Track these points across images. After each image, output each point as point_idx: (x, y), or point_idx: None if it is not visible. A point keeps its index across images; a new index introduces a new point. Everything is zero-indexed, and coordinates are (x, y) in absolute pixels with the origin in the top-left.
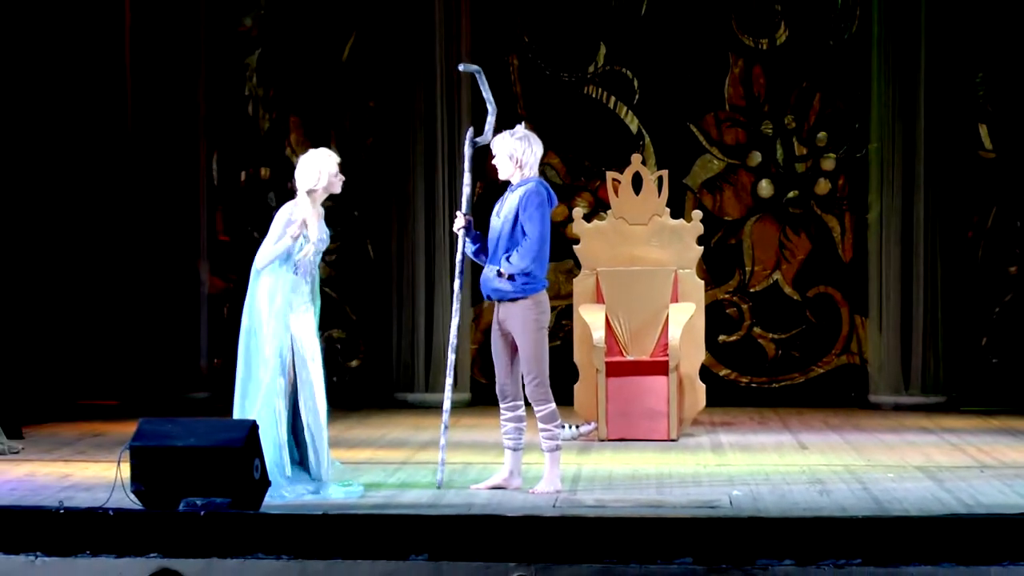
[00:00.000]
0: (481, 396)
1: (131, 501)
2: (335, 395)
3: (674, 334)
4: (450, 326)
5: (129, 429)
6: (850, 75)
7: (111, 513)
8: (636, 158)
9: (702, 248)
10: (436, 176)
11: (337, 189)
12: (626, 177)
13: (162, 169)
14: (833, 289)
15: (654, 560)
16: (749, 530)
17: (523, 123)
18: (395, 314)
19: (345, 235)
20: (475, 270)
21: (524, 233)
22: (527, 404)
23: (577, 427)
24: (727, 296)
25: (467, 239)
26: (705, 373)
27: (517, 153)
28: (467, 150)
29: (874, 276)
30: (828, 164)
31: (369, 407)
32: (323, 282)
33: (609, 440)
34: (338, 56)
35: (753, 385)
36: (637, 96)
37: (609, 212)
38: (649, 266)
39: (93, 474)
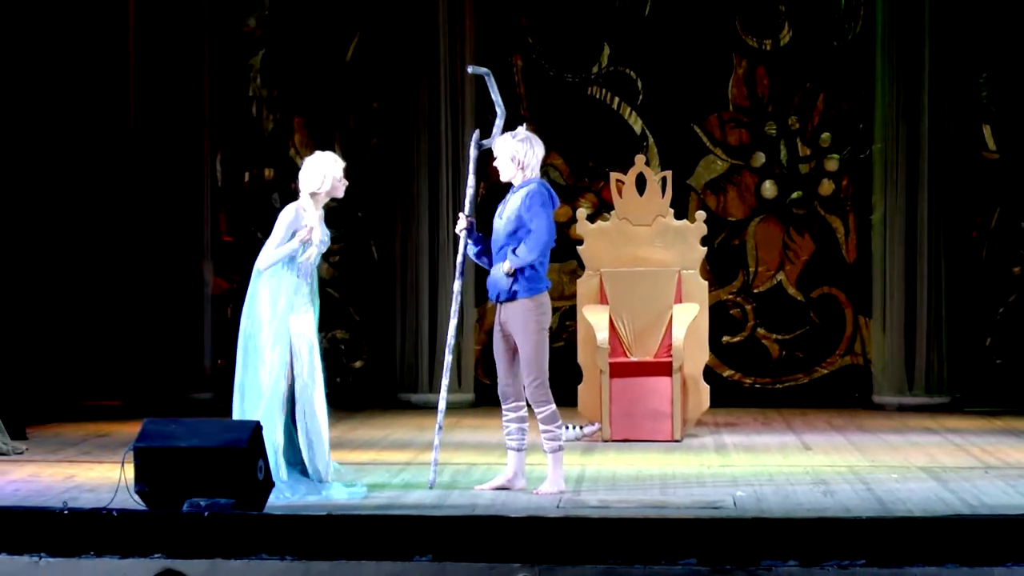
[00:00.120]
0: (485, 397)
1: (135, 502)
2: (339, 396)
3: (678, 335)
4: (449, 327)
5: (133, 430)
6: (854, 76)
7: (115, 514)
8: (640, 159)
9: (706, 249)
10: (440, 177)
11: (340, 194)
12: (630, 178)
13: (166, 170)
14: (837, 290)
15: (658, 561)
16: (753, 531)
17: (524, 124)
18: (399, 315)
19: (349, 236)
20: (479, 272)
21: (529, 230)
22: (529, 405)
23: (581, 428)
24: (731, 297)
25: (469, 241)
26: (709, 374)
27: (519, 155)
28: (472, 152)
29: (878, 277)
30: (832, 165)
31: (373, 408)
32: (327, 283)
33: (613, 441)
34: (342, 57)
35: (757, 386)
36: (641, 97)
37: (613, 213)
38: (653, 267)
39: (97, 475)
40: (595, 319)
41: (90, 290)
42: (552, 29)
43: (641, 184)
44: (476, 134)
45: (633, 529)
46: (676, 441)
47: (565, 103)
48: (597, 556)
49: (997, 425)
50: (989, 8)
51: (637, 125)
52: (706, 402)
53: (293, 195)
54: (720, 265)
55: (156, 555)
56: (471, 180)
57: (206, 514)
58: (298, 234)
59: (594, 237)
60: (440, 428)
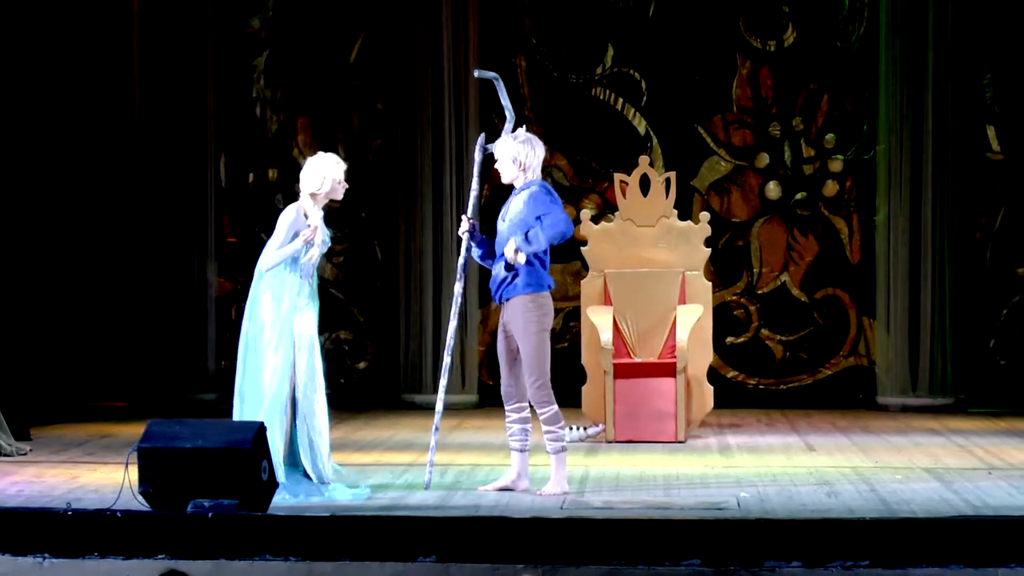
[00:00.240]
0: (489, 397)
1: (139, 503)
2: (343, 397)
3: (682, 336)
4: (448, 329)
5: (137, 431)
6: (858, 77)
7: (119, 515)
8: (644, 160)
9: (710, 250)
10: (444, 178)
11: (339, 196)
12: (634, 179)
13: (170, 171)
14: (841, 291)
15: (662, 562)
16: (757, 532)
17: (524, 126)
18: (402, 316)
19: (353, 237)
20: (482, 273)
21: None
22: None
23: (585, 429)
24: (735, 298)
25: (472, 243)
26: (713, 375)
27: (520, 156)
28: (477, 156)
29: (882, 278)
30: (836, 166)
31: (376, 409)
32: (330, 283)
33: (617, 442)
34: (346, 58)
35: (761, 387)
36: (645, 98)
37: (617, 214)
38: (657, 268)
39: (101, 475)
40: (599, 320)
41: (94, 291)
42: (556, 30)
43: (645, 185)
44: (482, 138)
45: (637, 530)
46: (680, 442)
47: (569, 104)
48: (601, 557)
49: (1001, 426)
50: (993, 9)
51: (641, 126)
52: (710, 403)
53: (296, 196)
54: (724, 266)
55: (160, 556)
56: (475, 183)
57: (210, 515)
58: (302, 234)
59: (598, 238)
60: (436, 430)
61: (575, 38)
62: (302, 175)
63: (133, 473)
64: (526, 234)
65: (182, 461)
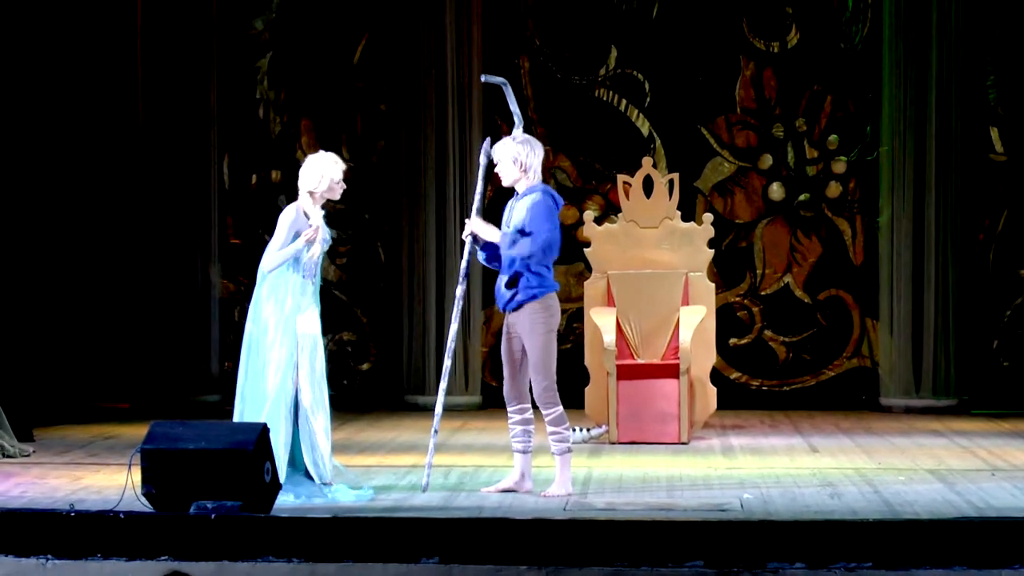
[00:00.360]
0: (492, 399)
1: (142, 504)
2: (346, 398)
3: (685, 337)
4: (449, 332)
5: (140, 432)
6: (861, 78)
7: (122, 516)
8: (647, 161)
9: (713, 251)
10: (447, 179)
11: (336, 196)
12: (637, 180)
13: (173, 172)
14: (844, 292)
15: (665, 563)
16: (760, 533)
17: (520, 128)
18: (406, 317)
19: (356, 238)
20: (485, 274)
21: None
22: (535, 407)
23: (588, 430)
24: (738, 299)
25: (477, 247)
26: (716, 376)
27: (520, 156)
28: (482, 160)
29: (885, 279)
30: (839, 167)
31: (380, 410)
32: (334, 285)
33: (620, 443)
34: (349, 59)
35: (764, 388)
36: (648, 99)
37: (620, 215)
38: (660, 269)
39: (104, 477)
40: (602, 321)
41: (97, 292)
42: (559, 31)
43: (648, 186)
44: (486, 143)
45: (640, 531)
46: (683, 443)
47: (572, 105)
48: (604, 558)
49: (1004, 427)
50: (996, 10)
51: (644, 127)
52: (713, 404)
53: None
54: (727, 267)
55: (163, 557)
56: (479, 188)
57: (213, 516)
58: (304, 233)
59: (601, 239)
60: (435, 433)
61: (579, 39)
62: (301, 172)
63: (136, 474)
64: (514, 238)
65: (185, 462)
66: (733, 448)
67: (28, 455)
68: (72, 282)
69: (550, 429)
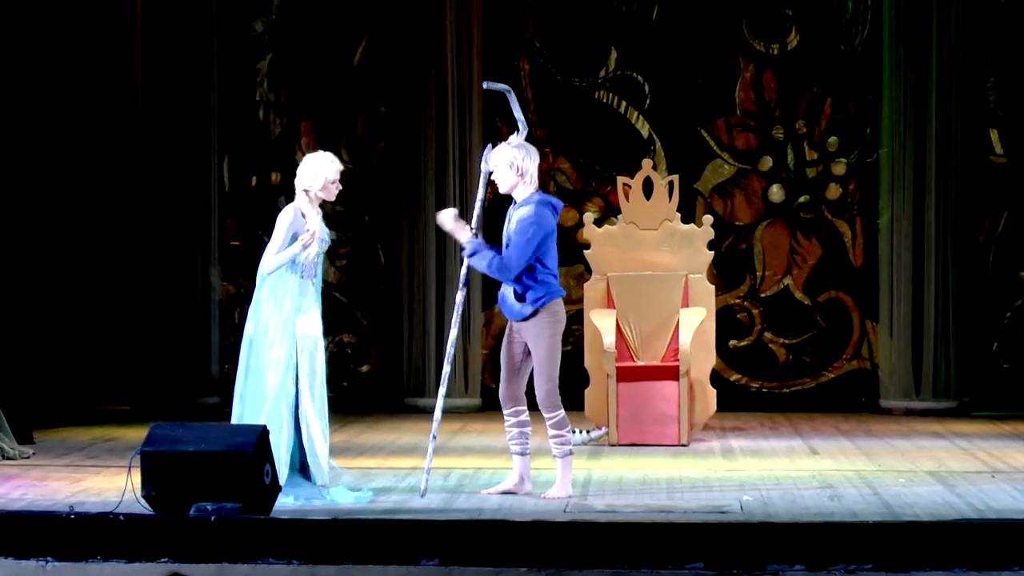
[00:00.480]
0: (491, 401)
1: (142, 506)
2: (346, 400)
3: (685, 339)
4: (448, 338)
5: (140, 434)
6: (861, 80)
7: (122, 518)
8: (647, 163)
9: (713, 253)
10: (447, 181)
11: (331, 197)
12: (637, 182)
13: (173, 174)
14: (844, 294)
15: (665, 565)
16: (760, 535)
17: (514, 134)
18: (406, 319)
19: (356, 240)
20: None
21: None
22: (533, 409)
23: (588, 432)
24: (738, 301)
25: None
26: (716, 378)
27: (517, 160)
28: (483, 167)
29: (885, 281)
30: (839, 169)
31: (379, 412)
32: (334, 287)
33: (620, 445)
34: (349, 61)
35: (764, 390)
36: (648, 101)
37: (620, 217)
38: (660, 271)
39: (104, 479)
40: (602, 323)
41: (97, 294)
42: (559, 33)
43: (648, 188)
44: (488, 149)
45: (640, 533)
46: (683, 445)
47: (572, 107)
48: (604, 560)
49: (1004, 429)
50: (996, 12)
51: (644, 129)
52: (713, 406)
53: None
54: (727, 269)
55: (163, 559)
56: (480, 194)
57: (213, 518)
58: (301, 238)
59: (601, 241)
60: (434, 438)
61: (578, 41)
62: (298, 171)
63: (136, 476)
64: (499, 252)
65: (185, 464)
66: (733, 450)
67: (28, 457)
68: (72, 284)
69: (551, 432)
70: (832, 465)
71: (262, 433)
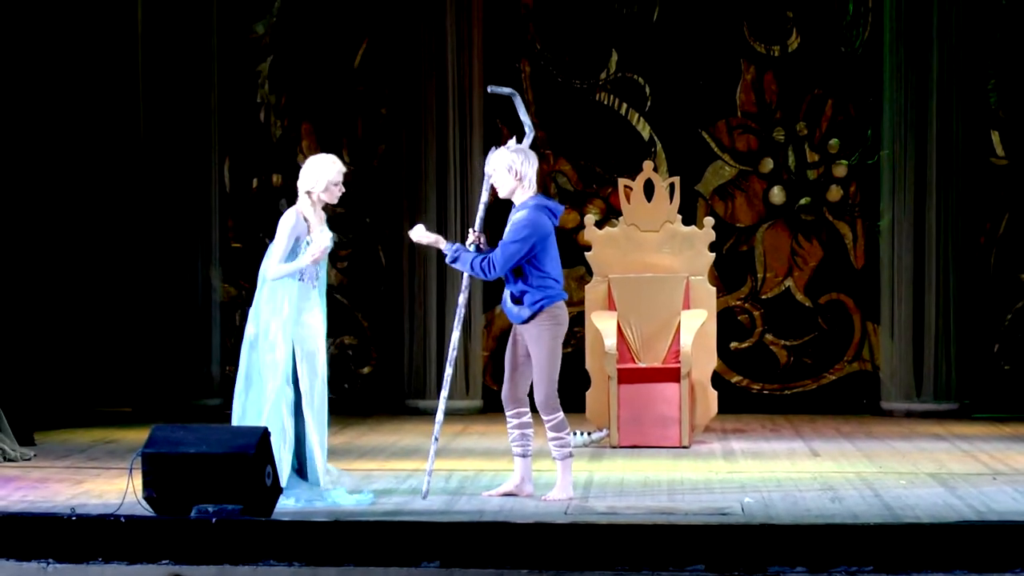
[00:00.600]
0: (493, 403)
1: (143, 508)
2: (347, 402)
3: (686, 341)
4: (450, 339)
5: (141, 436)
6: (862, 82)
7: (123, 520)
8: (648, 165)
9: (714, 255)
10: (448, 183)
11: (334, 199)
12: (638, 184)
13: (174, 176)
14: (845, 296)
15: (666, 567)
16: (761, 537)
17: (513, 138)
18: (407, 321)
19: (357, 242)
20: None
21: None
22: (533, 411)
23: (589, 434)
24: (739, 303)
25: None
26: (717, 380)
27: (516, 164)
28: (488, 170)
29: (886, 283)
30: (840, 171)
31: (381, 414)
32: (335, 289)
33: (621, 447)
34: (350, 63)
35: (765, 392)
36: (649, 103)
37: (621, 219)
38: (661, 273)
39: (105, 481)
40: (603, 325)
41: (98, 296)
42: (560, 35)
43: (649, 190)
44: (492, 151)
45: (641, 535)
46: (684, 447)
47: (573, 109)
48: (605, 562)
49: (1005, 431)
50: (997, 14)
51: (645, 131)
52: (714, 408)
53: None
54: (728, 271)
55: (164, 561)
56: (484, 197)
57: (214, 520)
58: (310, 251)
59: (602, 243)
60: (436, 440)
61: (579, 43)
62: (300, 173)
63: (137, 478)
64: (491, 257)
65: (186, 466)
66: (734, 452)
67: (29, 459)
68: (73, 286)
69: (551, 435)
70: (833, 467)
71: (263, 435)
